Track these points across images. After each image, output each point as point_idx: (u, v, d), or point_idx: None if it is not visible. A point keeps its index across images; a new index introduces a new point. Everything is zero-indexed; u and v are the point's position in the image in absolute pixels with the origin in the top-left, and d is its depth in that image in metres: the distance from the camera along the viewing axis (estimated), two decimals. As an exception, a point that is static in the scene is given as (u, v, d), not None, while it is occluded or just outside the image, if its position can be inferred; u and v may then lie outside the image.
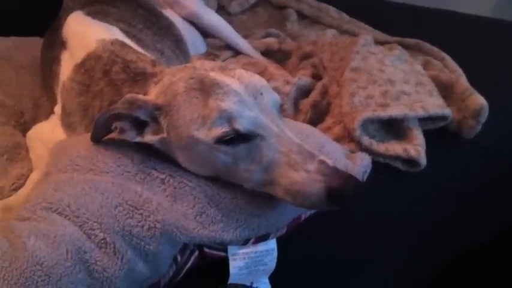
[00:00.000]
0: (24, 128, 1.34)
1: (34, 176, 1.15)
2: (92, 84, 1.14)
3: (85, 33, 1.27)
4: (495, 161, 1.47)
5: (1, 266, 0.84)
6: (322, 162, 0.90)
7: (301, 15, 2.14)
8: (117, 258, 0.92)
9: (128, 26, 1.36)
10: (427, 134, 1.33)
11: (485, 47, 1.74)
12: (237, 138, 0.93)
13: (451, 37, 1.78)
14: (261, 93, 0.96)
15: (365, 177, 1.17)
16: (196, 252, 1.01)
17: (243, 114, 0.92)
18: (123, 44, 1.19)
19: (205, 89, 0.94)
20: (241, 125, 0.92)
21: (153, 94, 1.00)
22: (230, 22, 2.01)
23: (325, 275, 1.20)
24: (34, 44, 1.56)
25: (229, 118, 0.92)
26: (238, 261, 1.03)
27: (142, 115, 0.98)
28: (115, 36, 1.24)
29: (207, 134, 0.93)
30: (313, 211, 1.10)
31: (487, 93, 1.39)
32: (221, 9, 2.16)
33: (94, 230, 0.93)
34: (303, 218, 1.10)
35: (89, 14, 1.36)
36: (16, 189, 1.15)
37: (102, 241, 0.92)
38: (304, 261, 1.02)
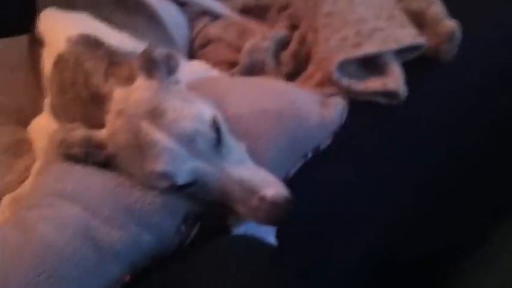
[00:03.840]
0: (26, 124, 1.40)
1: (37, 167, 1.23)
2: (66, 90, 1.21)
3: (55, 31, 1.34)
4: (479, 77, 1.48)
5: (16, 253, 0.93)
6: (262, 198, 0.98)
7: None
8: (123, 232, 0.99)
9: (98, 10, 1.41)
10: (407, 65, 1.36)
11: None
12: (181, 186, 1.01)
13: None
14: (193, 140, 0.99)
15: (342, 120, 1.23)
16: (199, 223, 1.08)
17: (177, 171, 0.98)
18: (87, 42, 1.25)
19: (141, 146, 0.99)
20: (179, 181, 0.99)
21: (104, 134, 1.06)
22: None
23: (324, 220, 1.25)
24: (23, 42, 1.59)
25: (167, 177, 0.99)
26: (239, 227, 1.11)
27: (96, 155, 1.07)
28: (84, 25, 1.31)
29: (153, 186, 1.02)
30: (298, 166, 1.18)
31: (465, 14, 1.42)
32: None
33: (98, 208, 1.01)
34: (290, 175, 1.17)
35: (59, 6, 1.43)
36: (23, 181, 1.23)
37: (107, 218, 1.00)
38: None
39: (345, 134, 1.25)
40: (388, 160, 1.32)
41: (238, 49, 1.60)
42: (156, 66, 1.08)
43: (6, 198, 1.19)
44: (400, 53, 1.38)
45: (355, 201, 1.26)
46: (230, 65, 1.61)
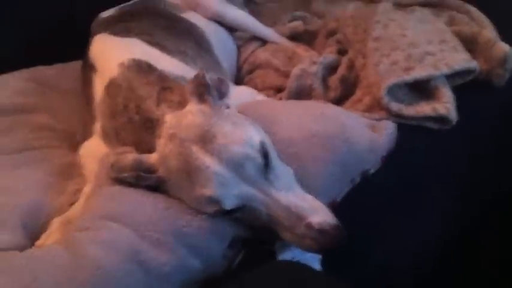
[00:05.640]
0: (77, 148, 1.43)
1: (87, 190, 1.24)
2: (118, 114, 1.23)
3: (108, 56, 1.37)
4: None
5: (67, 275, 0.94)
6: (308, 226, 0.98)
7: (326, -7, 2.16)
8: (172, 255, 1.00)
9: (150, 36, 1.44)
10: (458, 89, 1.34)
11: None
12: (229, 211, 1.01)
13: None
14: (241, 165, 0.99)
15: (392, 145, 1.21)
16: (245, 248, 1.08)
17: (226, 196, 0.99)
18: (139, 67, 1.27)
19: (191, 172, 1.00)
20: (227, 206, 1.00)
21: (154, 158, 1.08)
22: (258, 12, 2.06)
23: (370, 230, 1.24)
24: (77, 68, 1.63)
25: (215, 201, 0.99)
26: (285, 253, 1.10)
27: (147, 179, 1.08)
28: (137, 50, 1.34)
29: (202, 210, 1.03)
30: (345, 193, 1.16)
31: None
32: (249, 1, 2.20)
33: (148, 231, 1.01)
34: (338, 199, 1.15)
35: (111, 33, 1.47)
36: (73, 204, 1.25)
37: (156, 241, 1.00)
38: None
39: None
40: (437, 183, 1.30)
41: (286, 74, 1.60)
42: (207, 91, 1.09)
43: (56, 221, 1.21)
44: (451, 77, 1.37)
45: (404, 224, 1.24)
46: (278, 90, 1.62)
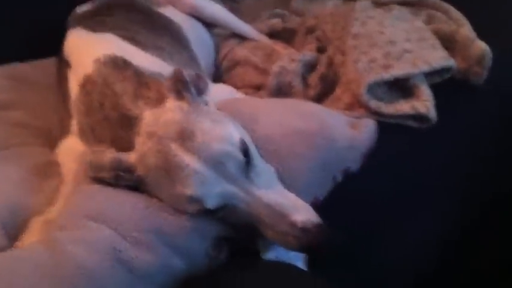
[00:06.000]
0: (55, 146, 1.40)
1: (66, 189, 1.22)
2: (94, 111, 1.21)
3: (82, 52, 1.34)
4: (508, 103, 1.47)
5: (48, 274, 0.93)
6: (292, 224, 0.97)
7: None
8: (153, 254, 0.99)
9: (125, 31, 1.41)
10: (436, 88, 1.35)
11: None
12: (211, 210, 1.00)
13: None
14: (222, 163, 0.98)
15: (373, 142, 1.21)
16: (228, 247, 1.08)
17: (207, 194, 0.98)
18: (115, 63, 1.25)
19: (170, 169, 0.99)
20: (209, 205, 0.99)
21: (134, 156, 1.06)
22: (237, 9, 2.06)
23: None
24: (52, 64, 1.61)
25: (196, 200, 0.98)
26: (269, 252, 1.10)
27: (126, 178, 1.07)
28: (112, 45, 1.32)
29: (183, 209, 1.02)
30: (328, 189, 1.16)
31: (494, 38, 1.41)
32: (228, -3, 2.20)
33: (129, 230, 1.00)
34: (320, 198, 1.15)
35: (86, 28, 1.44)
36: (52, 203, 1.23)
37: (138, 240, 0.99)
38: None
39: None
40: (437, 183, 1.31)
41: (265, 72, 1.60)
42: (185, 88, 1.08)
43: (35, 221, 1.19)
44: (429, 75, 1.38)
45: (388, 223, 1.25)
46: (257, 88, 1.62)
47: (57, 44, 1.51)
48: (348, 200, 1.17)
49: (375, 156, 1.20)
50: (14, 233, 1.15)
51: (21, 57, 1.80)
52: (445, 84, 1.38)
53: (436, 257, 1.39)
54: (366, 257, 1.22)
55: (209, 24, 1.82)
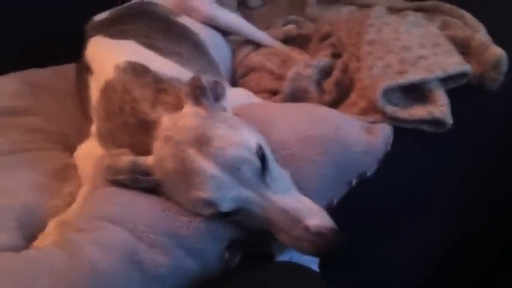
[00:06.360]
0: (72, 150, 1.42)
1: (84, 191, 1.24)
2: (113, 117, 1.23)
3: (103, 58, 1.36)
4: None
5: (63, 276, 0.94)
6: (306, 228, 0.98)
7: (320, -2, 2.17)
8: (168, 257, 1.00)
9: (145, 38, 1.44)
10: (451, 93, 1.35)
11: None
12: (225, 214, 1.01)
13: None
14: (238, 168, 0.99)
15: (388, 147, 1.21)
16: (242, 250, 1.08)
17: (223, 198, 0.99)
18: (134, 69, 1.27)
19: (188, 174, 1.00)
20: (224, 208, 1.00)
21: (152, 160, 1.08)
22: (251, 16, 2.07)
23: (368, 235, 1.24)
24: (71, 70, 1.63)
25: (211, 204, 0.99)
26: (283, 255, 1.11)
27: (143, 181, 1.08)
28: (132, 52, 1.34)
29: (199, 212, 1.03)
30: (343, 194, 1.17)
31: (510, 44, 1.41)
32: (242, 5, 2.21)
33: (144, 232, 1.01)
34: (334, 202, 1.16)
35: (106, 35, 1.47)
36: (69, 205, 1.24)
37: (153, 242, 1.00)
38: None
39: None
40: (439, 186, 1.31)
41: (280, 77, 1.61)
42: (203, 93, 1.09)
43: (52, 222, 1.20)
44: (444, 81, 1.37)
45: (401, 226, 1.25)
46: (272, 94, 1.62)
47: (74, 51, 1.54)
48: (352, 202, 1.17)
49: (387, 161, 1.20)
50: (31, 235, 1.17)
51: (39, 64, 1.82)
52: (459, 89, 1.38)
53: (438, 258, 1.38)
54: (368, 258, 1.22)
55: (224, 32, 1.83)
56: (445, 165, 1.36)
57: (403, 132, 1.28)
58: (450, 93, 1.35)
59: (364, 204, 1.22)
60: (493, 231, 1.46)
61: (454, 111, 1.31)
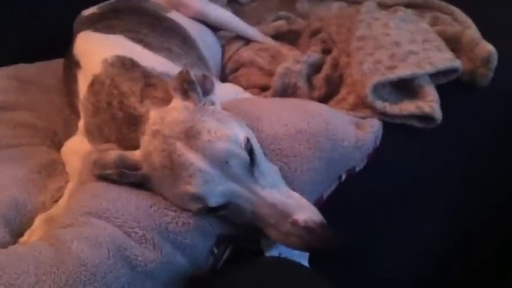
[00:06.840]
0: (59, 146, 1.42)
1: (71, 187, 1.23)
2: (101, 111, 1.22)
3: (91, 53, 1.35)
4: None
5: (50, 271, 0.93)
6: (294, 223, 0.97)
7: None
8: (157, 252, 0.99)
9: (133, 33, 1.42)
10: (441, 88, 1.35)
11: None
12: (214, 208, 1.00)
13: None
14: (226, 162, 0.98)
15: (377, 142, 1.21)
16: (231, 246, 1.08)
17: (210, 192, 0.98)
18: (122, 63, 1.26)
19: (175, 168, 0.99)
20: (212, 203, 0.99)
21: (139, 154, 1.07)
22: (242, 11, 2.07)
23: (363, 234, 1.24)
24: (59, 66, 1.63)
25: (199, 198, 0.98)
26: (272, 251, 1.10)
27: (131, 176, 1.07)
28: (120, 46, 1.33)
29: (186, 207, 1.02)
30: (333, 189, 1.16)
31: (500, 40, 1.41)
32: (232, 1, 2.20)
33: (133, 228, 1.01)
34: (324, 197, 1.15)
35: (95, 30, 1.46)
36: (56, 201, 1.24)
37: (142, 238, 1.00)
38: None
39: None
40: (432, 184, 1.31)
41: (270, 73, 1.60)
42: (192, 87, 1.08)
43: (39, 218, 1.19)
44: (434, 76, 1.37)
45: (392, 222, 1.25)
46: (262, 89, 1.62)
47: (61, 46, 1.53)
48: (348, 199, 1.17)
49: (377, 156, 1.20)
50: (18, 230, 1.16)
51: (26, 59, 1.81)
52: (449, 85, 1.38)
53: (437, 257, 1.38)
54: (367, 257, 1.21)
55: (214, 27, 1.83)
56: (441, 162, 1.36)
57: (392, 127, 1.28)
58: (441, 89, 1.34)
59: (362, 202, 1.22)
60: (493, 230, 1.46)
61: (445, 108, 1.30)
